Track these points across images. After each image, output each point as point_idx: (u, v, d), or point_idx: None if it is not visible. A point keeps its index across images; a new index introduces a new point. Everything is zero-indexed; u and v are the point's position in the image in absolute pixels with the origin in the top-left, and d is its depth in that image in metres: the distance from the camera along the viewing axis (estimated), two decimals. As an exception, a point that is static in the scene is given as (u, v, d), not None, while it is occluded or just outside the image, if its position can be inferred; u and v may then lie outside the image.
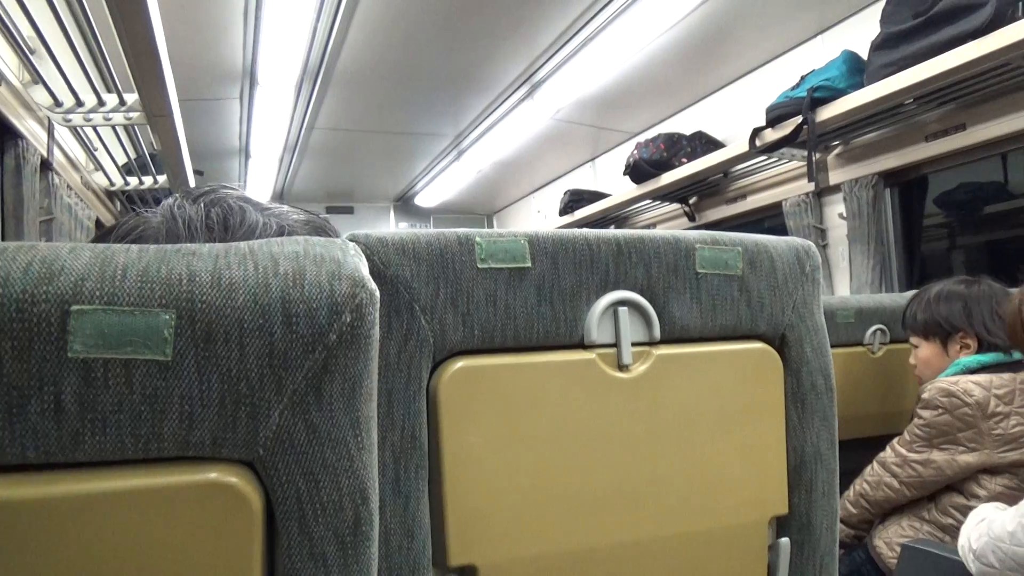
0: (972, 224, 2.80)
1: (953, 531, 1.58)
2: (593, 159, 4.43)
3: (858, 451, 1.69)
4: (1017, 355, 1.59)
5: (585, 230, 0.72)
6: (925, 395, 1.59)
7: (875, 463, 1.68)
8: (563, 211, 4.15)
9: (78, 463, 0.38)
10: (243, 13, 2.52)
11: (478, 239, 0.67)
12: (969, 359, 1.62)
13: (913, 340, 1.74)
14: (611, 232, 0.73)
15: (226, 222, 0.56)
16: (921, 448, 1.58)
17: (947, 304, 1.66)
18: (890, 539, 1.66)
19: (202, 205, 0.56)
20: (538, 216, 5.17)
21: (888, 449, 1.65)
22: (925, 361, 1.71)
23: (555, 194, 4.53)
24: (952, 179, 2.64)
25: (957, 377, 1.58)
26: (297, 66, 2.89)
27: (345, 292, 0.40)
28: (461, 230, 0.67)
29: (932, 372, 1.69)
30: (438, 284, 0.65)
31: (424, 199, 5.42)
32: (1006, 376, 1.56)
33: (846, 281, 2.58)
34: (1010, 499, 1.52)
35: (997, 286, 1.67)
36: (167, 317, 0.37)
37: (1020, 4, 1.68)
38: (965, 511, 1.56)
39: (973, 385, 1.53)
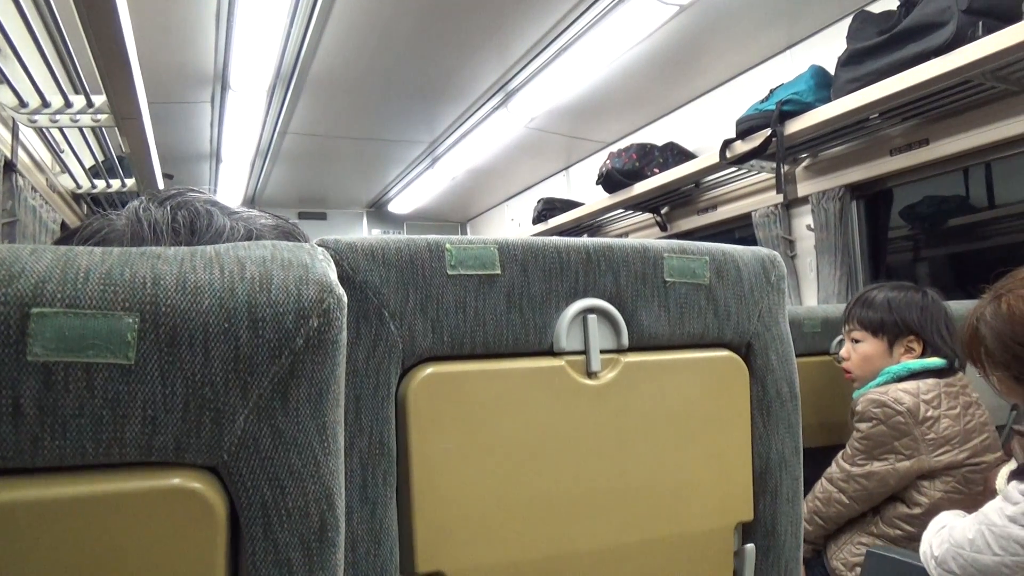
0: (936, 236, 2.86)
1: (903, 542, 1.62)
2: (567, 168, 4.45)
3: (823, 458, 1.71)
4: (941, 362, 1.64)
5: (555, 238, 0.73)
6: (859, 408, 1.62)
7: (823, 479, 1.70)
8: (536, 219, 4.17)
9: (37, 468, 0.37)
10: (215, 16, 2.49)
11: (448, 246, 0.67)
12: (898, 367, 1.66)
13: (856, 335, 1.74)
14: (581, 240, 0.73)
15: (193, 226, 0.55)
16: (862, 461, 1.61)
17: (907, 307, 1.69)
18: (846, 559, 1.69)
19: (168, 208, 0.56)
20: (512, 224, 5.18)
21: (833, 464, 1.68)
22: (865, 357, 1.72)
23: (529, 202, 4.55)
24: (917, 192, 2.70)
25: (886, 387, 1.61)
26: (270, 70, 2.87)
27: (312, 297, 0.40)
28: (432, 236, 0.67)
29: (868, 369, 1.72)
30: (407, 290, 0.65)
31: (398, 206, 5.40)
32: (931, 381, 1.61)
33: (813, 291, 2.62)
34: (952, 503, 1.56)
35: (939, 298, 1.73)
36: (130, 320, 0.37)
37: (980, 24, 1.73)
38: (910, 520, 1.60)
39: (902, 393, 1.58)
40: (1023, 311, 1.22)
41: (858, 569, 1.64)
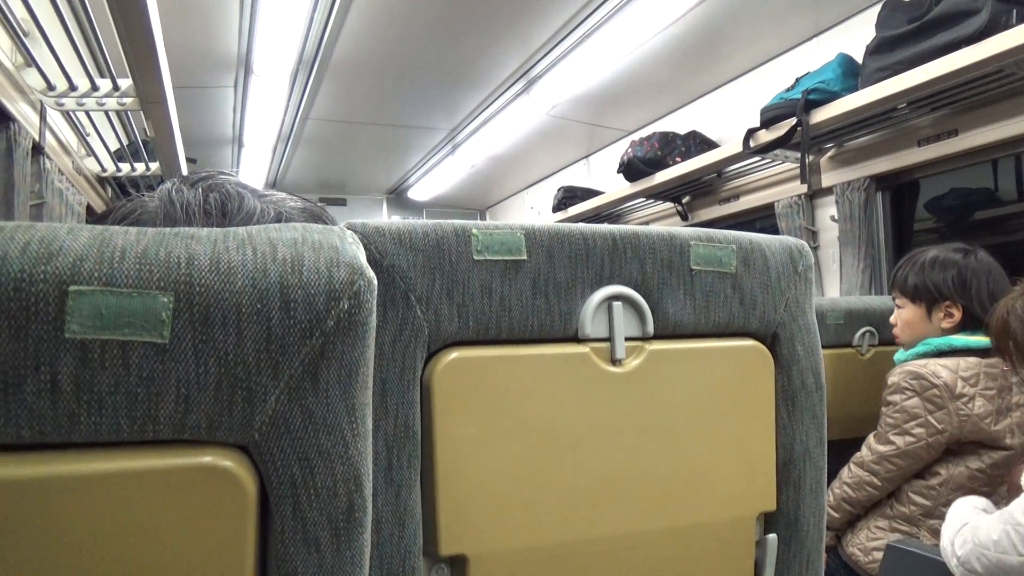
0: (962, 229, 2.82)
1: (918, 521, 1.60)
2: (587, 156, 4.43)
3: (845, 451, 1.70)
4: (986, 342, 1.58)
5: (581, 224, 0.73)
6: (893, 379, 1.59)
7: (852, 465, 1.69)
8: (556, 208, 4.16)
9: (73, 444, 0.38)
10: (239, 1, 2.50)
11: (475, 231, 0.67)
12: (940, 340, 1.63)
13: (899, 301, 1.73)
14: (607, 227, 0.73)
15: (224, 207, 0.56)
16: (895, 436, 1.58)
17: (941, 271, 1.65)
18: (863, 544, 1.67)
19: (200, 190, 0.56)
20: (531, 212, 5.17)
21: (864, 448, 1.66)
22: (908, 323, 1.70)
23: (549, 190, 4.53)
24: (943, 184, 2.65)
25: (925, 360, 1.59)
26: (293, 56, 2.87)
27: (343, 279, 0.40)
28: (458, 221, 0.67)
29: (911, 335, 1.69)
30: (434, 275, 0.66)
31: (417, 192, 5.41)
32: (972, 360, 1.58)
33: (836, 283, 2.59)
34: (972, 480, 1.55)
35: (993, 261, 1.66)
36: (165, 300, 0.37)
37: (1015, 11, 1.69)
38: (926, 493, 1.58)
39: (940, 368, 1.55)
40: None
41: (875, 554, 1.63)
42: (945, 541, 1.33)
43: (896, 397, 1.58)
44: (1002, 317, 1.28)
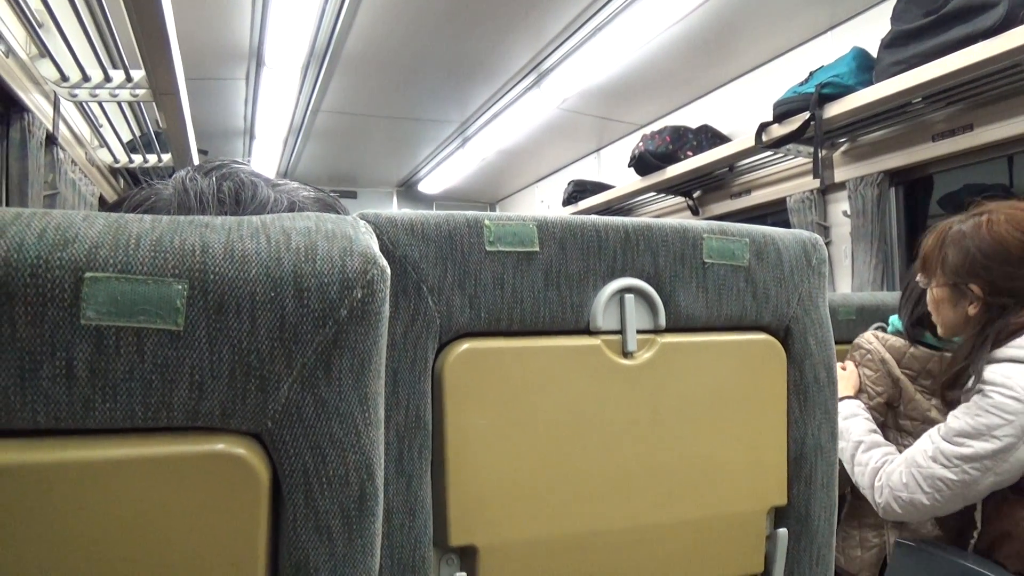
0: (975, 226, 2.79)
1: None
2: (598, 150, 4.42)
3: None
4: None
5: (594, 216, 0.72)
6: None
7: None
8: (566, 201, 4.15)
9: (88, 430, 0.38)
10: (251, -7, 2.51)
11: (487, 222, 0.67)
12: None
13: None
14: (619, 219, 0.73)
15: (238, 196, 0.56)
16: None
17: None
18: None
19: (214, 178, 0.56)
20: (541, 206, 5.16)
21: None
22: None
23: (559, 184, 4.53)
24: (957, 180, 2.63)
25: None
26: (304, 48, 2.88)
27: (357, 268, 0.40)
28: (470, 212, 0.67)
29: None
30: (446, 266, 0.66)
31: (427, 186, 5.41)
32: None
33: (848, 279, 2.58)
34: None
35: None
36: (180, 287, 0.38)
37: (1033, 5, 1.67)
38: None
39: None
40: (1001, 230, 1.32)
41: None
42: (867, 492, 1.41)
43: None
44: (941, 232, 1.41)
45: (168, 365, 0.38)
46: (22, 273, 0.35)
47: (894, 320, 1.66)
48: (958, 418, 1.29)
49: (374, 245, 0.42)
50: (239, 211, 0.55)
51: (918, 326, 1.57)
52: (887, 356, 1.58)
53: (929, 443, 1.31)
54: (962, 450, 1.26)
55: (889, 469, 1.37)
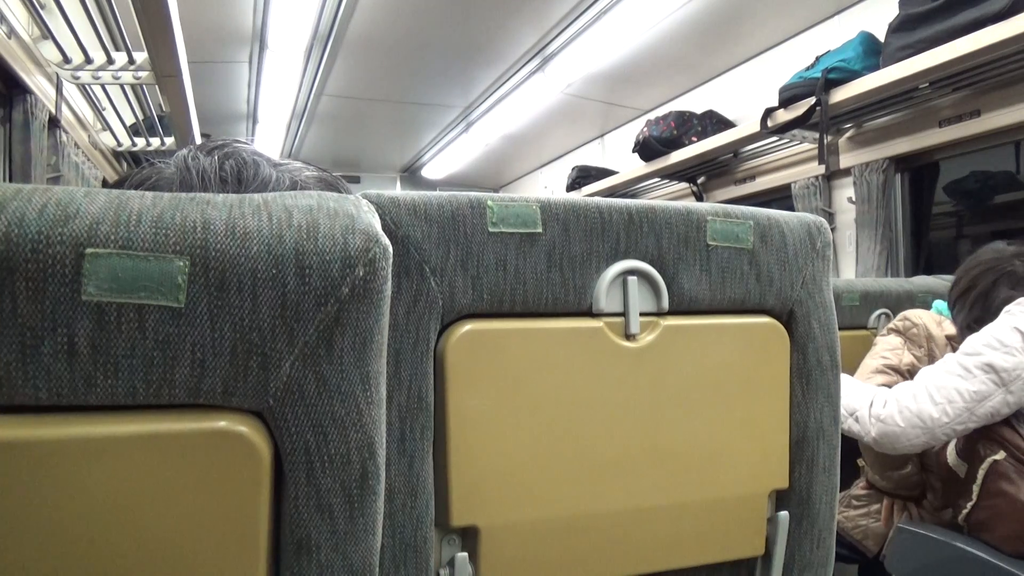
0: (981, 213, 2.78)
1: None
2: (602, 135, 4.40)
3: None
4: None
5: (597, 198, 0.72)
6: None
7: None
8: (570, 187, 4.14)
9: (90, 406, 0.38)
10: (254, -25, 2.49)
11: (490, 203, 0.67)
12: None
13: None
14: (623, 201, 0.72)
15: (240, 174, 0.55)
16: None
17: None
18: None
19: (216, 157, 0.56)
20: (545, 191, 5.15)
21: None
22: None
23: (562, 170, 4.51)
24: (963, 167, 2.61)
25: None
26: (307, 31, 2.86)
27: (359, 246, 0.40)
28: (473, 193, 0.67)
29: None
30: (448, 246, 0.65)
31: (431, 171, 5.39)
32: None
33: (852, 265, 2.57)
34: None
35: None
36: (181, 263, 0.37)
37: (1043, -12, 1.66)
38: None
39: None
40: None
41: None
42: (861, 412, 1.40)
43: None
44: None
45: (169, 342, 0.38)
46: (23, 249, 0.35)
47: (939, 305, 1.68)
48: (978, 335, 1.35)
49: (376, 224, 0.42)
50: (241, 190, 0.55)
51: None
52: (934, 332, 1.60)
53: (944, 361, 1.36)
54: (979, 359, 1.31)
55: (901, 385, 1.40)
